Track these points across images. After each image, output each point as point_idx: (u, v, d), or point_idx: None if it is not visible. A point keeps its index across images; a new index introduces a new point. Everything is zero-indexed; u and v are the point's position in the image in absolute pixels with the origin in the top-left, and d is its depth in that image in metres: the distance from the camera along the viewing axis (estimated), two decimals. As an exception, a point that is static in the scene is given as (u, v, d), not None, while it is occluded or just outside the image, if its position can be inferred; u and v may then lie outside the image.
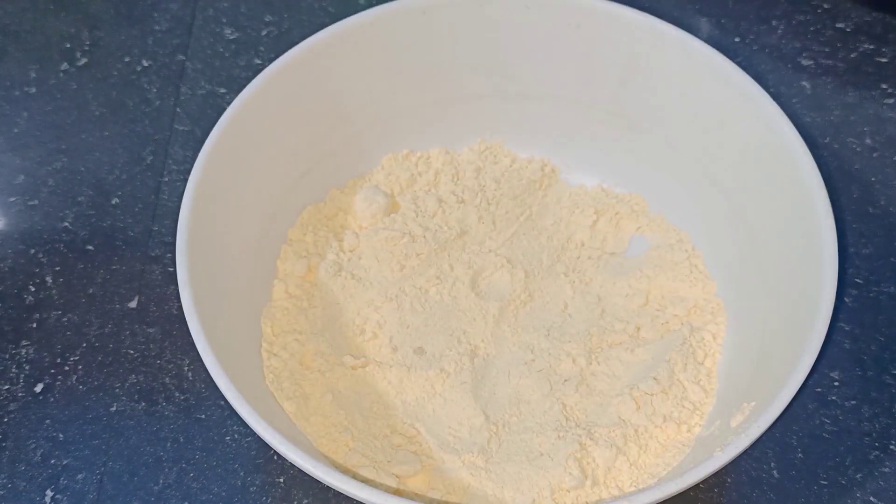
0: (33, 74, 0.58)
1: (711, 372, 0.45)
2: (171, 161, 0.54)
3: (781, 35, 0.58)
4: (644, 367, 0.46)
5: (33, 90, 0.57)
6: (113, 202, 0.53)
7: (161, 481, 0.45)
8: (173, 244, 0.42)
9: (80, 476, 0.45)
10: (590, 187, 0.52)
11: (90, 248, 0.52)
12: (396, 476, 0.43)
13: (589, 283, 0.49)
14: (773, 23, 0.59)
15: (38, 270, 0.51)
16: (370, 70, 0.49)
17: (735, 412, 0.42)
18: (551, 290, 0.49)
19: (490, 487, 0.43)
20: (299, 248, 0.49)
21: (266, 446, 0.44)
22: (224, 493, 0.45)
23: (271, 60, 0.47)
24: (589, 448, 0.43)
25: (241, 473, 0.45)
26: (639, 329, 0.47)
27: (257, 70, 0.49)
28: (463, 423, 0.45)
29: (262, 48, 0.58)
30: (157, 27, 0.59)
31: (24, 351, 0.49)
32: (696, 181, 0.48)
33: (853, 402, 0.47)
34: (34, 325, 0.49)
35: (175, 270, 0.41)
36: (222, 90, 0.57)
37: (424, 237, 0.48)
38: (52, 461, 0.46)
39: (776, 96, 0.46)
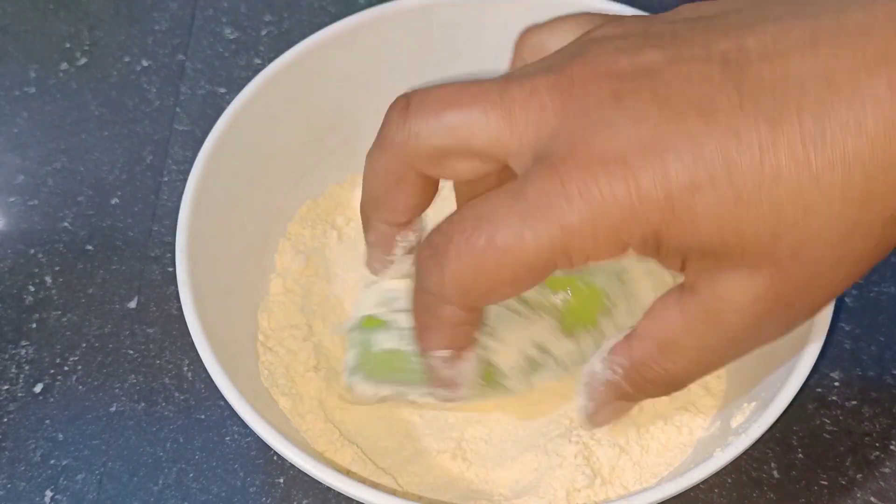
0: (33, 74, 0.58)
1: (720, 373, 0.45)
2: (170, 161, 0.54)
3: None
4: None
5: (33, 90, 0.57)
6: (113, 202, 0.53)
7: (161, 481, 0.45)
8: (173, 244, 0.42)
9: (79, 476, 0.45)
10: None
11: (90, 248, 0.52)
12: (395, 479, 0.43)
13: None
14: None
15: (37, 270, 0.51)
16: (370, 69, 0.49)
17: (735, 412, 0.41)
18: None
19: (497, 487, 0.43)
20: (298, 242, 0.48)
21: (266, 446, 0.44)
22: (224, 494, 0.45)
23: (271, 60, 0.47)
24: (592, 447, 0.43)
25: (241, 474, 0.45)
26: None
27: (257, 70, 0.49)
28: (462, 422, 0.44)
29: (261, 48, 0.58)
30: (156, 27, 0.59)
31: (23, 351, 0.49)
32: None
33: (853, 403, 0.47)
34: (34, 325, 0.49)
35: (175, 270, 0.41)
36: (222, 90, 0.57)
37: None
38: (52, 461, 0.46)
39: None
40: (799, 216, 0.29)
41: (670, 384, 0.34)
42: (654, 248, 0.30)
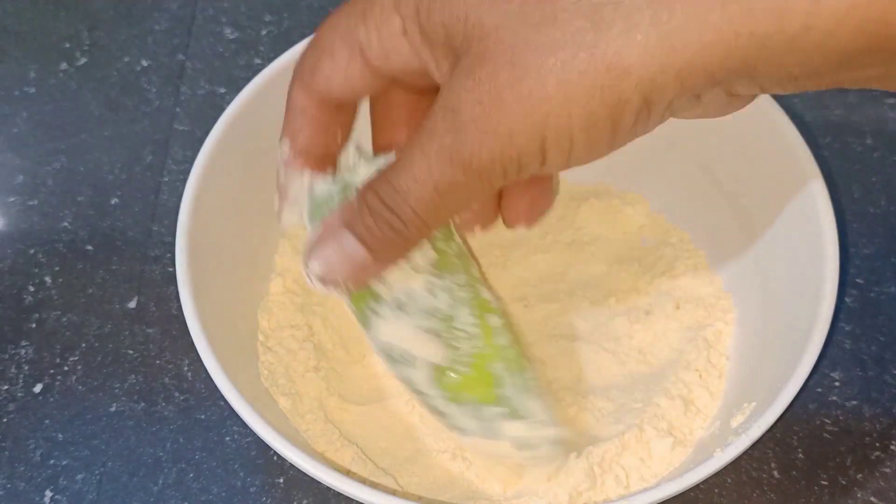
0: (33, 74, 0.58)
1: (721, 373, 0.45)
2: (170, 161, 0.54)
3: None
4: (650, 367, 0.46)
5: (33, 90, 0.57)
6: (112, 202, 0.53)
7: (160, 482, 0.45)
8: (173, 244, 0.42)
9: (79, 476, 0.45)
10: (590, 186, 0.51)
11: (89, 248, 0.52)
12: (395, 479, 0.43)
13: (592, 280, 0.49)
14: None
15: (37, 270, 0.51)
16: (370, 70, 0.49)
17: (735, 412, 0.41)
18: (552, 289, 0.49)
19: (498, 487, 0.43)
20: (298, 242, 0.48)
21: (266, 446, 0.44)
22: (224, 494, 0.45)
23: (271, 60, 0.47)
24: (593, 447, 0.43)
25: (241, 474, 0.45)
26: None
27: (257, 70, 0.49)
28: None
29: (261, 48, 0.58)
30: (156, 27, 0.59)
31: (23, 351, 0.49)
32: (696, 181, 0.48)
33: (854, 403, 0.47)
34: (33, 325, 0.49)
35: (175, 270, 0.41)
36: (222, 90, 0.57)
37: None
38: (52, 461, 0.46)
39: (777, 95, 0.46)
40: (536, 23, 0.28)
41: (395, 208, 0.31)
42: (423, 15, 0.31)
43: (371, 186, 0.32)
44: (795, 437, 0.46)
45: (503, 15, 0.29)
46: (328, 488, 0.41)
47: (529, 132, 0.29)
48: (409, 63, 0.33)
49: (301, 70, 0.35)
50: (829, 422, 0.46)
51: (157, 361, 0.48)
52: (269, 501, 0.44)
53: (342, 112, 0.36)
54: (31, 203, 0.53)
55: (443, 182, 0.31)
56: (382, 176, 0.32)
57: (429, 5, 0.31)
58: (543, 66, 0.29)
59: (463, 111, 0.30)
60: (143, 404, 0.47)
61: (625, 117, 0.29)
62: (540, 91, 0.29)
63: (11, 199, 0.53)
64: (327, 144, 0.36)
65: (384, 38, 0.32)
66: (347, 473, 0.42)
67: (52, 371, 0.48)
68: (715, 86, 0.29)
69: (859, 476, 0.45)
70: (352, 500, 0.38)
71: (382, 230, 0.32)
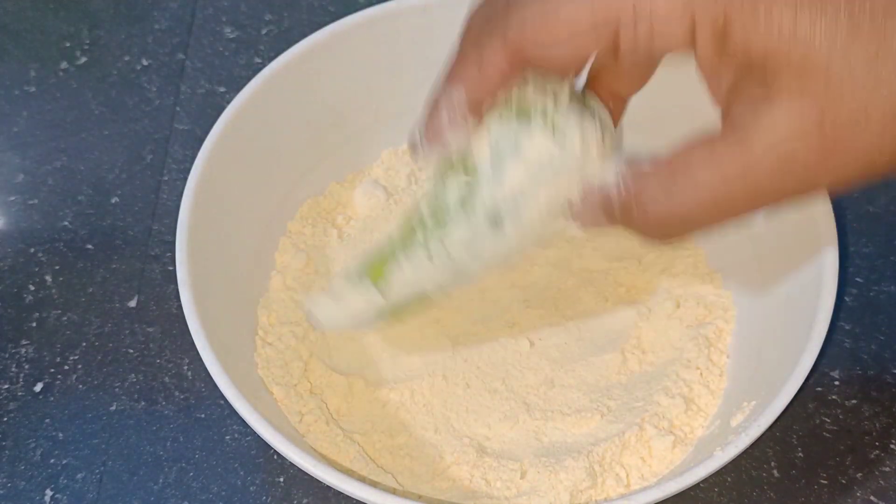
0: (33, 73, 0.58)
1: (722, 371, 0.45)
2: (170, 160, 0.54)
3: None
4: (651, 365, 0.46)
5: (33, 89, 0.57)
6: (113, 201, 0.53)
7: (161, 480, 0.45)
8: (173, 243, 0.42)
9: (79, 475, 0.45)
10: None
11: (90, 247, 0.52)
12: (395, 478, 0.43)
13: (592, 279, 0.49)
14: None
15: (37, 269, 0.51)
16: (370, 69, 0.49)
17: (735, 411, 0.41)
18: (553, 287, 0.49)
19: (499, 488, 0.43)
20: (298, 240, 0.49)
21: (266, 445, 0.44)
22: (224, 493, 0.45)
23: (271, 59, 0.47)
24: (593, 446, 0.43)
25: (241, 472, 0.45)
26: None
27: (257, 69, 0.49)
28: (464, 422, 0.44)
29: (262, 47, 0.58)
30: (156, 26, 0.59)
31: (23, 350, 0.49)
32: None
33: (853, 402, 0.47)
34: (34, 324, 0.49)
35: (175, 269, 0.41)
36: (222, 89, 0.57)
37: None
38: (52, 460, 0.46)
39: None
40: (871, 55, 0.27)
41: (661, 222, 0.31)
42: (720, 39, 0.29)
43: (644, 204, 0.31)
44: (795, 436, 0.46)
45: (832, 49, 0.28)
46: (328, 487, 0.41)
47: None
48: (669, 48, 0.30)
49: (506, 22, 0.31)
50: (828, 421, 0.46)
51: (158, 360, 0.48)
52: (269, 500, 0.44)
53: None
54: (31, 202, 0.53)
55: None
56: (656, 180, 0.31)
57: (738, 29, 0.28)
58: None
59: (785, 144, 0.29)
60: (143, 403, 0.47)
61: None
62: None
63: (12, 198, 0.53)
64: (494, 96, 0.33)
65: (656, 36, 0.29)
66: (348, 472, 0.42)
67: (52, 370, 0.48)
68: None
69: (859, 475, 0.45)
70: (352, 499, 0.38)
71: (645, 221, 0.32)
